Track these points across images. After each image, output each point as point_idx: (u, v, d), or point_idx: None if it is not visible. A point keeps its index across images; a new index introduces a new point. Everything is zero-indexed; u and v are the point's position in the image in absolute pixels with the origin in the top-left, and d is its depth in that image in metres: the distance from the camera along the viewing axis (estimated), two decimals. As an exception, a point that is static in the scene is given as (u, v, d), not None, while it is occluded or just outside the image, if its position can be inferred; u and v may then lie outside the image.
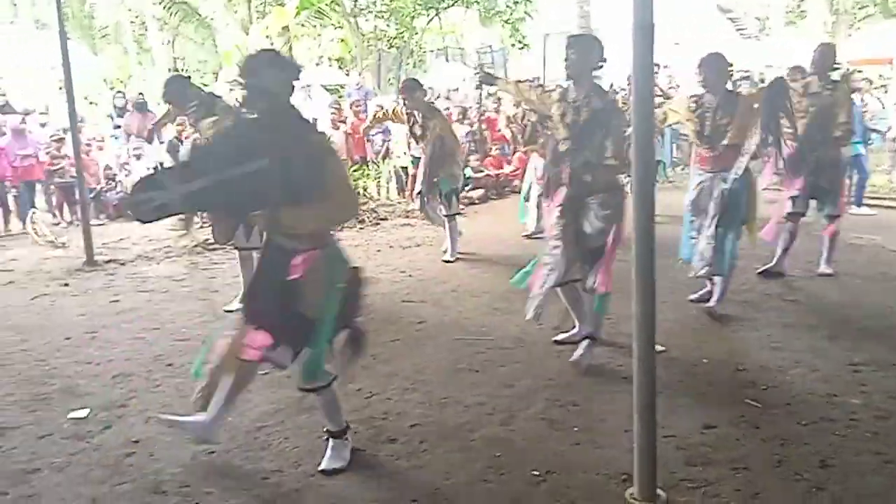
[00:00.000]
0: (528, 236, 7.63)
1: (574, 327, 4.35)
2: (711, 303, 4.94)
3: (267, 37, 11.66)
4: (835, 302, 5.22)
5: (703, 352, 4.27)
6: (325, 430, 3.08)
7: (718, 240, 4.67)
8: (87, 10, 19.84)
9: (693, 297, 5.16)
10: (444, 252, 6.88)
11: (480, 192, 10.37)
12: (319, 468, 2.98)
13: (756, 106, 4.61)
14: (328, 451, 3.03)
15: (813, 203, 5.75)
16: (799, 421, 3.34)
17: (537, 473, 2.93)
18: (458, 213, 7.06)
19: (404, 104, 6.86)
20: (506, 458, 3.08)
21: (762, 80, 15.22)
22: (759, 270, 5.80)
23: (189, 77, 5.99)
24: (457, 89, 15.64)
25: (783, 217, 5.69)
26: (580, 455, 3.08)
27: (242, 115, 2.88)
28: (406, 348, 4.50)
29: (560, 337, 4.46)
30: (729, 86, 4.79)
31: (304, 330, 2.80)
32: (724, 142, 4.64)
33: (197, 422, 3.03)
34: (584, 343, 4.12)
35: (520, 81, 4.97)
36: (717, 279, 4.90)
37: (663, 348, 4.22)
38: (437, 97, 14.30)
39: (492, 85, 5.29)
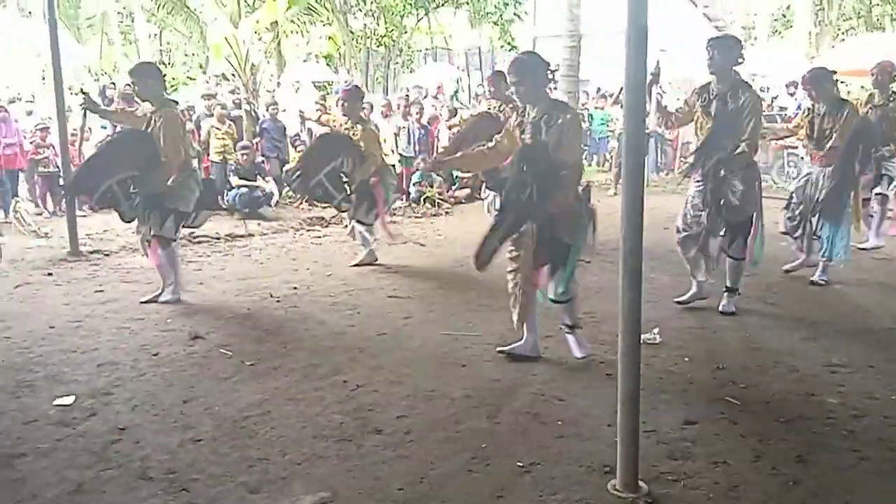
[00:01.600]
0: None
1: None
2: (816, 277, 5.81)
3: (256, 32, 11.60)
4: (813, 305, 5.32)
5: (685, 350, 4.34)
6: (563, 325, 4.15)
7: (831, 228, 5.60)
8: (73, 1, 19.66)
9: (681, 298, 5.24)
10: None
11: (467, 191, 10.42)
12: (575, 356, 4.09)
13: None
14: (572, 342, 4.13)
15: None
16: (777, 418, 3.41)
17: (522, 465, 2.97)
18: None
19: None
20: (491, 449, 3.12)
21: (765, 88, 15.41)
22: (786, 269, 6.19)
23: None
24: (440, 88, 15.71)
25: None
26: (564, 447, 3.12)
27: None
28: (393, 342, 4.53)
29: (682, 298, 5.21)
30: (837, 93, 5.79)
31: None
32: (829, 144, 5.52)
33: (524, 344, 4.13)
34: (726, 294, 5.03)
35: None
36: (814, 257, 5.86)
37: (657, 336, 4.39)
38: (426, 96, 14.37)
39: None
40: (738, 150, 4.66)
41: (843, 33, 24.63)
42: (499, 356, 4.20)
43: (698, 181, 4.93)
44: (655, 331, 4.47)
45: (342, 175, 6.09)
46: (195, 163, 5.84)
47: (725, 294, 5.08)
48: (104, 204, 5.27)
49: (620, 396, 2.78)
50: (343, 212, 6.69)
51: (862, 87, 12.29)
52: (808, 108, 5.73)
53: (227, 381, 3.88)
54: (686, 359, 4.22)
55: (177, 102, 5.61)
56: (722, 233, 4.97)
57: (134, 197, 5.11)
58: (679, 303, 5.19)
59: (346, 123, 6.40)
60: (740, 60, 4.68)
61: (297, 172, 6.20)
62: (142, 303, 5.32)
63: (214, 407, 3.55)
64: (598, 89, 18.22)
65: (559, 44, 14.17)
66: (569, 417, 3.41)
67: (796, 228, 5.86)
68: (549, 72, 3.93)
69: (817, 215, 5.69)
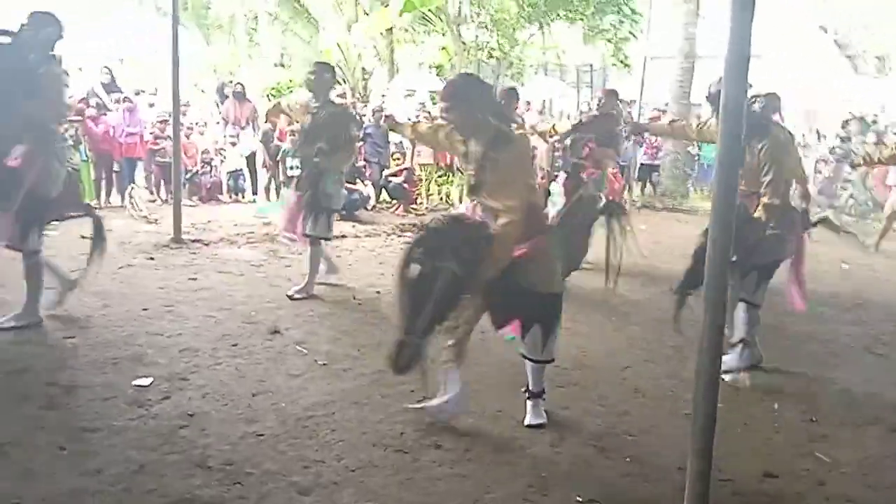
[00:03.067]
0: None
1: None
2: None
3: (371, 38, 11.85)
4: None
5: (774, 396, 4.04)
6: (524, 390, 3.53)
7: None
8: (205, 1, 20.75)
9: None
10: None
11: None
12: (525, 423, 3.47)
13: None
14: (530, 408, 3.50)
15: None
16: (870, 484, 3.11)
17: (581, 499, 2.84)
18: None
19: None
20: (550, 478, 3.00)
21: (874, 122, 14.49)
22: None
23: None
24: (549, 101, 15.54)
25: None
26: (628, 486, 2.96)
27: None
28: (468, 356, 4.46)
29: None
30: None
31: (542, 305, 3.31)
32: None
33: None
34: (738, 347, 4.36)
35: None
36: None
37: (746, 379, 4.16)
38: (529, 110, 14.27)
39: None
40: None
41: None
42: (570, 383, 4.06)
43: None
44: (744, 375, 4.19)
45: None
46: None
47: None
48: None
49: (693, 442, 2.60)
50: None
51: None
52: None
53: (298, 378, 3.92)
54: (775, 405, 3.94)
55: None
56: None
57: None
58: None
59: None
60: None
61: None
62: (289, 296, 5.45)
63: (281, 403, 3.58)
64: (699, 116, 17.60)
65: (673, 64, 13.82)
66: (637, 455, 3.23)
67: None
68: (490, 96, 3.41)
69: None
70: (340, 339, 4.61)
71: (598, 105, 7.54)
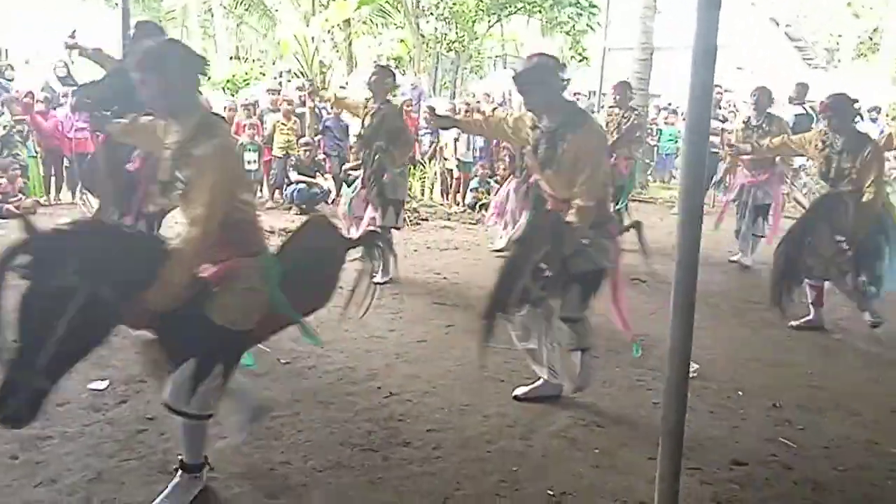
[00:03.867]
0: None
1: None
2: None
3: (329, 31, 11.67)
4: (883, 342, 4.97)
5: (739, 383, 4.09)
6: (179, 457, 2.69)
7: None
8: (156, -7, 20.27)
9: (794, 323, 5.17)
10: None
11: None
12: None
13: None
14: (169, 487, 2.62)
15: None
16: (835, 466, 3.16)
17: (552, 493, 2.82)
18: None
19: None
20: (522, 473, 2.97)
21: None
22: None
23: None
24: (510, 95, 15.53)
25: None
26: (599, 478, 2.95)
27: None
28: (432, 350, 4.42)
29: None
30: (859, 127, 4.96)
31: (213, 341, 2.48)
32: (845, 187, 4.76)
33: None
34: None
35: (488, 117, 4.36)
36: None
37: (696, 368, 4.07)
38: (492, 102, 14.25)
39: (446, 128, 5.13)
40: None
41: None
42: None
43: None
44: (695, 367, 4.16)
45: None
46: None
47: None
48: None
49: (663, 431, 2.59)
50: None
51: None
52: (824, 139, 4.87)
53: (261, 378, 3.83)
54: (739, 392, 3.97)
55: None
56: None
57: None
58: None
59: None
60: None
61: None
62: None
63: (244, 404, 3.49)
64: (669, 104, 17.81)
65: (631, 56, 13.89)
66: (607, 446, 3.23)
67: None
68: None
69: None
70: (301, 337, 4.51)
71: (614, 101, 7.66)
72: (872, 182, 4.64)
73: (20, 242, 2.19)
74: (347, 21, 11.83)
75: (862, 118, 5.43)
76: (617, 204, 7.98)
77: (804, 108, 9.82)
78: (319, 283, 3.02)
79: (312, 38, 10.84)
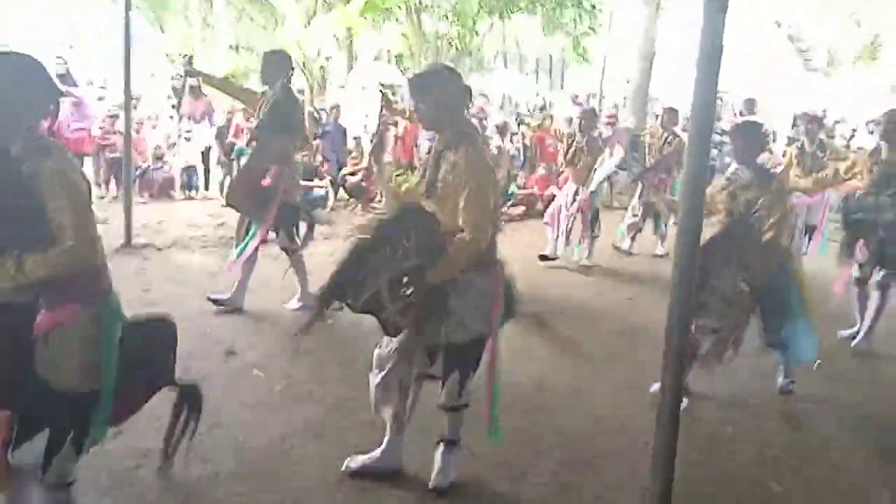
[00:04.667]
0: (542, 257, 7.53)
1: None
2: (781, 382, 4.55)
3: (334, 35, 11.61)
4: (851, 412, 4.98)
5: (730, 417, 4.10)
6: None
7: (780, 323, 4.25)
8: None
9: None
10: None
11: (522, 209, 10.26)
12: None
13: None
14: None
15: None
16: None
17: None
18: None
19: None
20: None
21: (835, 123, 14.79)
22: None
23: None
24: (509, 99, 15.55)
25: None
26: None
27: None
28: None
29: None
30: (762, 159, 4.45)
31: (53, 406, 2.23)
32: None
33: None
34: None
35: None
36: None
37: (686, 402, 4.04)
38: (489, 104, 14.22)
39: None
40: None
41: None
42: (534, 409, 4.05)
43: None
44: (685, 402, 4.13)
45: None
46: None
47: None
48: None
49: (652, 477, 2.65)
50: None
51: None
52: (728, 179, 4.44)
53: (256, 408, 3.85)
54: (730, 429, 4.00)
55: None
56: None
57: None
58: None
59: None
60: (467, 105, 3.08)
61: None
62: None
63: (238, 437, 3.51)
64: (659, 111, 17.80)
65: (632, 58, 13.86)
66: (598, 490, 3.25)
67: None
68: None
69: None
70: (300, 361, 4.53)
71: (661, 123, 7.83)
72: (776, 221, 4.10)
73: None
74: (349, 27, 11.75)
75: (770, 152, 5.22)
76: (656, 228, 8.08)
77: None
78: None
79: (314, 42, 10.77)
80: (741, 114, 10.39)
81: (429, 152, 3.10)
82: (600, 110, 13.28)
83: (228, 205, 5.96)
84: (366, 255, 2.82)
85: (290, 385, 4.15)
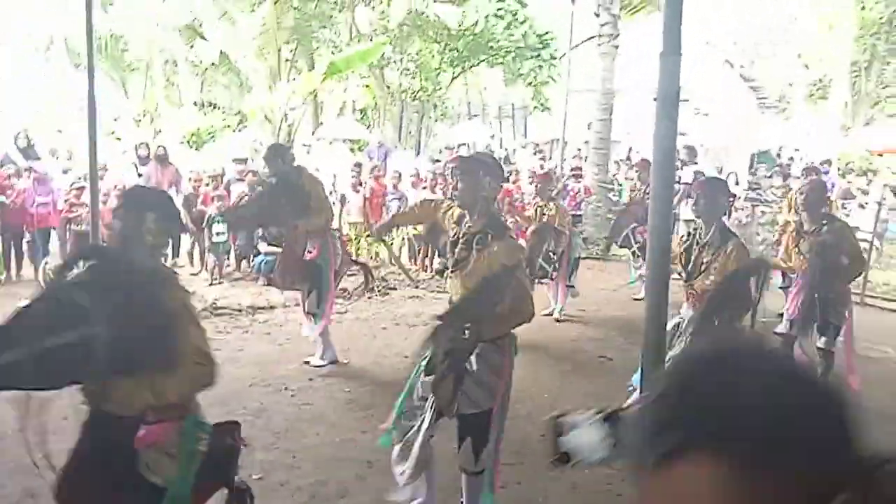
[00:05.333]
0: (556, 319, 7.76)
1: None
2: None
3: (293, 91, 11.78)
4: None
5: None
6: None
7: None
8: (122, 46, 20.20)
9: None
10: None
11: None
12: None
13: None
14: None
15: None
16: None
17: None
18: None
19: None
20: None
21: (787, 164, 15.24)
22: None
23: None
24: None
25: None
26: None
27: (65, 275, 2.37)
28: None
29: None
30: (725, 220, 4.41)
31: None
32: (705, 283, 4.15)
33: None
34: None
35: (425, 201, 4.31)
36: None
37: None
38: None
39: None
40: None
41: (883, 100, 24.42)
42: (513, 481, 4.08)
43: None
44: None
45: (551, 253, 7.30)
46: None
47: None
48: None
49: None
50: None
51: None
52: (689, 232, 4.43)
53: (232, 499, 3.81)
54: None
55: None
56: None
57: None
58: None
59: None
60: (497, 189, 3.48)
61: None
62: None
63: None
64: (630, 150, 18.20)
65: (592, 99, 14.08)
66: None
67: None
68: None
69: None
70: (275, 444, 4.52)
71: (638, 178, 8.19)
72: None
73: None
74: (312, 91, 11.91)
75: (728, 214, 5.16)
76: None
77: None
78: None
79: (279, 107, 10.91)
80: (683, 162, 10.66)
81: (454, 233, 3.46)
82: (563, 159, 13.54)
83: (286, 289, 6.73)
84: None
85: (265, 471, 4.13)
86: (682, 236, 4.47)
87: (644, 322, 2.83)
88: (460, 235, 3.40)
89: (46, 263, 8.65)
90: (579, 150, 17.80)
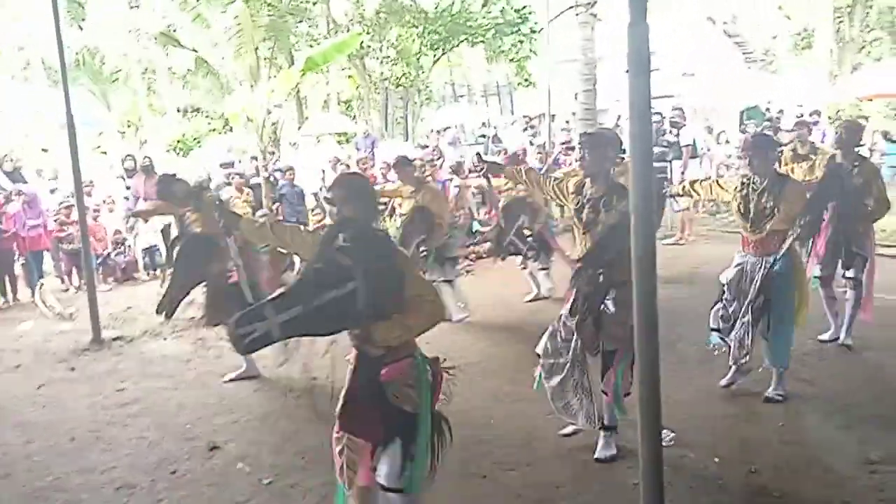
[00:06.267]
0: (531, 300, 7.64)
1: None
2: (770, 392, 4.77)
3: (273, 90, 11.69)
4: (849, 381, 5.09)
5: (716, 448, 4.16)
6: None
7: (772, 329, 4.64)
8: (99, 59, 20.07)
9: (723, 382, 4.99)
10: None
11: (487, 245, 10.30)
12: None
13: (808, 194, 4.75)
14: None
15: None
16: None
17: None
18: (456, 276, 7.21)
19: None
20: None
21: (777, 117, 15.11)
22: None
23: (175, 175, 6.18)
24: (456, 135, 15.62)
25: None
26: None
27: (330, 244, 2.90)
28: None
29: (568, 430, 4.38)
30: (778, 169, 4.87)
31: (404, 429, 2.93)
32: (769, 226, 4.55)
33: None
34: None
35: (530, 170, 4.78)
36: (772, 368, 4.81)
37: (671, 436, 4.11)
38: (451, 142, 14.29)
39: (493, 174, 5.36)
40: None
41: (868, 44, 24.24)
42: (523, 463, 4.07)
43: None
44: (670, 435, 4.12)
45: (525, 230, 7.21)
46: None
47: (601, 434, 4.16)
48: None
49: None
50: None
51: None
52: (743, 181, 4.73)
53: (244, 506, 3.82)
54: (716, 459, 4.05)
55: None
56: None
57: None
58: (724, 387, 4.97)
59: (409, 190, 6.86)
60: (617, 160, 4.06)
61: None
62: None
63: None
64: (618, 118, 18.05)
65: (576, 70, 13.93)
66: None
67: (730, 330, 4.77)
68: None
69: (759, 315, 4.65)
70: (283, 447, 4.50)
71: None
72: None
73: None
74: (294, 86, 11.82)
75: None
76: None
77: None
78: None
79: (261, 107, 10.84)
80: (673, 125, 10.57)
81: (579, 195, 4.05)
82: (553, 137, 13.45)
83: None
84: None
85: (276, 475, 4.12)
86: (737, 187, 4.74)
87: (634, 295, 2.79)
88: (584, 201, 4.01)
89: (42, 285, 8.63)
90: (567, 122, 17.69)
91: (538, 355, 4.15)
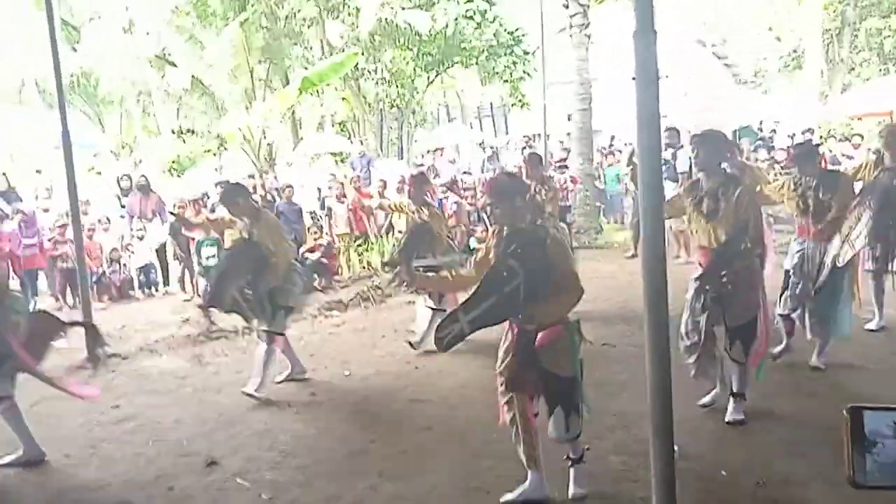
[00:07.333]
0: None
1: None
2: (815, 361, 5.38)
3: (270, 109, 11.71)
4: (857, 389, 5.04)
5: (722, 463, 4.10)
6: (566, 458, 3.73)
7: (840, 301, 5.30)
8: (93, 82, 20.09)
9: (704, 401, 4.87)
10: None
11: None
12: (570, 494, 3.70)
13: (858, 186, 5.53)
14: (572, 477, 3.72)
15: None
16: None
17: None
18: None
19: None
20: None
21: (769, 136, 15.20)
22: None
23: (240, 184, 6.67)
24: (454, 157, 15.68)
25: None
26: None
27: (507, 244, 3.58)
28: (414, 462, 4.35)
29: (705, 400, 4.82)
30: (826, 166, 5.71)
31: (560, 395, 3.57)
32: (828, 217, 5.21)
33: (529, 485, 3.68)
34: (732, 400, 4.61)
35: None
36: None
37: (678, 450, 4.03)
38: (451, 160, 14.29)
39: None
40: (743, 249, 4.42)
41: (857, 66, 24.52)
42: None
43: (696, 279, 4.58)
44: (677, 449, 4.12)
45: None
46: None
47: (731, 400, 4.61)
48: (230, 310, 5.70)
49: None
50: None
51: (868, 148, 11.90)
52: (795, 182, 5.36)
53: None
54: (723, 472, 4.00)
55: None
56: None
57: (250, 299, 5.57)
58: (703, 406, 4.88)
59: (414, 208, 6.79)
60: (728, 155, 4.72)
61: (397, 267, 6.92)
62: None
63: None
64: (612, 138, 18.16)
65: (570, 91, 14.03)
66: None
67: (796, 309, 5.41)
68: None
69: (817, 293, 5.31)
70: (282, 462, 4.43)
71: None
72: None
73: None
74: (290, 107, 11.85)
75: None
76: None
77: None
78: None
79: (257, 127, 10.85)
80: (667, 146, 10.61)
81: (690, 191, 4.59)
82: (551, 154, 13.51)
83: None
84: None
85: (275, 491, 4.05)
86: (789, 185, 5.39)
87: (644, 306, 2.77)
88: (702, 195, 4.45)
89: (36, 304, 8.54)
90: (561, 142, 17.79)
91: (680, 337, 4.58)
